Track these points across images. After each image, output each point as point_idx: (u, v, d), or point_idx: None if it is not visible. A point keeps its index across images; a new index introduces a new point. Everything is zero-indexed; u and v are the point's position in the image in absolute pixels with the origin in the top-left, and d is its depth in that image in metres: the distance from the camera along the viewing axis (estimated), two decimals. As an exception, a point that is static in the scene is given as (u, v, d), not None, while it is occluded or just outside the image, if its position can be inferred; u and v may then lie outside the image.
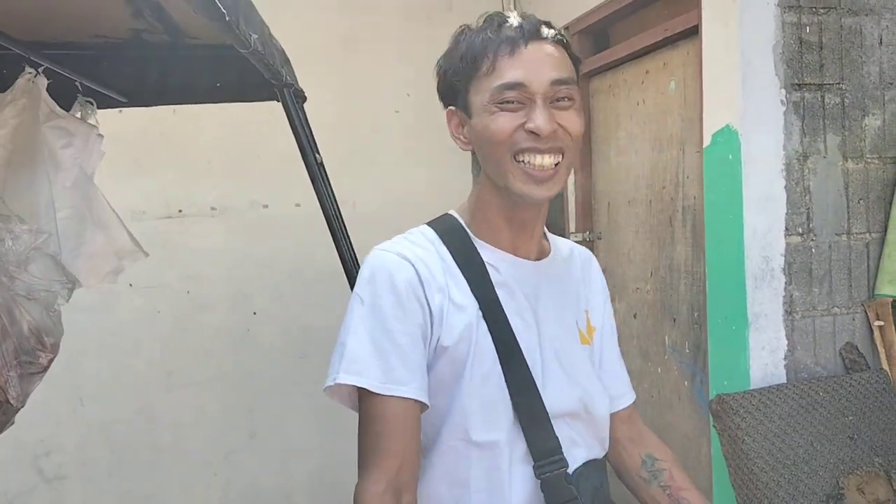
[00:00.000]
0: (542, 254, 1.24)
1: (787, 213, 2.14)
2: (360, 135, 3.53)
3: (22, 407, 1.21)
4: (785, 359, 2.15)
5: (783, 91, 2.14)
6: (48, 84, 1.46)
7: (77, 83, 1.52)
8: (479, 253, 1.17)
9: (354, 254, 1.61)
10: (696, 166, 2.43)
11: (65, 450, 3.45)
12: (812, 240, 2.17)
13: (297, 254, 3.48)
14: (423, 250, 1.14)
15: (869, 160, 2.21)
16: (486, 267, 1.15)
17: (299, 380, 3.56)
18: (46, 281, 1.22)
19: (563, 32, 1.18)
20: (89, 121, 1.51)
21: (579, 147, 1.18)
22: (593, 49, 3.08)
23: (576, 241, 3.27)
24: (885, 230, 2.19)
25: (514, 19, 1.15)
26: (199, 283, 3.47)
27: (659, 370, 2.71)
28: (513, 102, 1.10)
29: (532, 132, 1.09)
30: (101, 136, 1.48)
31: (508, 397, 1.12)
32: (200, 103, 1.76)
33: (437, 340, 1.11)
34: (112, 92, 1.61)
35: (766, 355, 2.14)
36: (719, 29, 2.18)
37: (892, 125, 2.21)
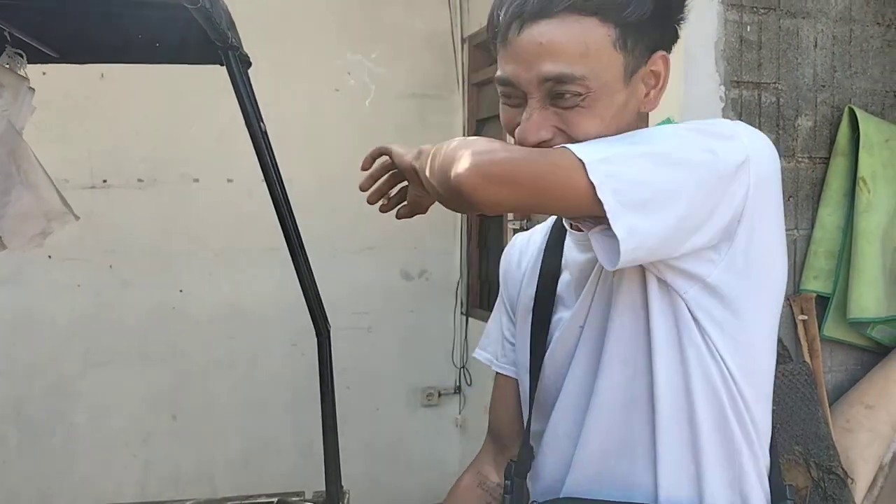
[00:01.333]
0: None
1: (721, 208, 2.19)
2: (298, 113, 3.46)
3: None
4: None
5: (722, 87, 2.19)
6: (-27, 33, 1.36)
7: (6, 33, 1.43)
8: None
9: (298, 229, 1.57)
10: (635, 158, 2.47)
11: (-28, 427, 3.28)
12: (744, 234, 2.23)
13: (227, 231, 3.39)
14: None
15: (800, 159, 2.28)
16: None
17: (226, 361, 3.48)
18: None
19: None
20: (18, 72, 1.42)
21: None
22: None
23: (513, 229, 3.26)
24: (812, 228, 2.27)
25: None
26: (122, 257, 3.34)
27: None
28: (510, 98, 0.95)
29: None
30: (32, 89, 1.40)
31: None
32: (138, 63, 1.67)
33: None
34: (44, 46, 1.52)
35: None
36: (664, 23, 2.22)
37: (823, 126, 2.29)
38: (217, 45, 1.41)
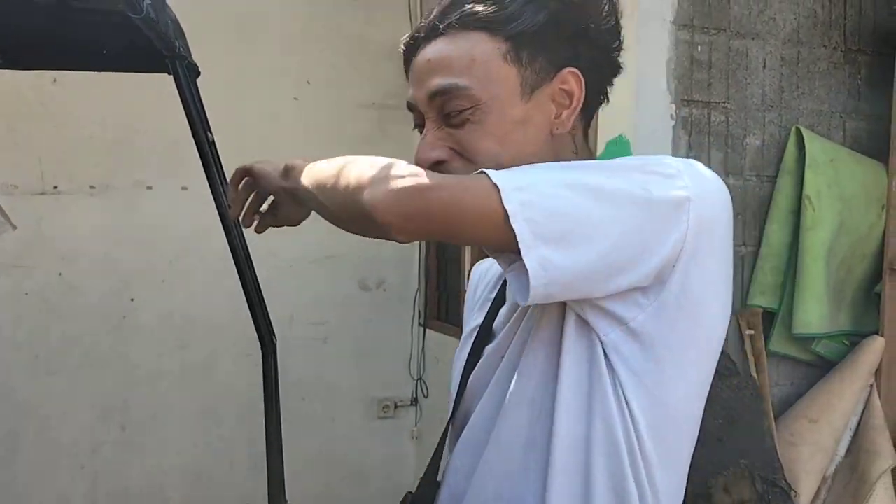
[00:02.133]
0: None
1: (671, 223, 2.23)
2: (256, 121, 3.43)
3: None
4: (663, 363, 2.23)
5: (673, 106, 2.22)
6: (-90, 36, 1.33)
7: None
8: None
9: (244, 240, 1.55)
10: (589, 173, 2.50)
11: (-89, 438, 3.19)
12: (693, 250, 2.26)
13: (181, 239, 3.35)
14: None
15: (748, 177, 2.33)
16: None
17: (177, 371, 3.43)
18: None
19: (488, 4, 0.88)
20: (-44, 79, 1.39)
21: (500, 163, 0.86)
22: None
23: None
24: (759, 244, 2.32)
25: (427, 17, 0.92)
26: (73, 264, 3.28)
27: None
28: (418, 125, 0.93)
29: None
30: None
31: None
32: (83, 70, 1.64)
33: None
34: (-15, 43, 1.49)
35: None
36: (618, 41, 2.25)
37: (771, 146, 2.34)
38: (164, 54, 1.39)
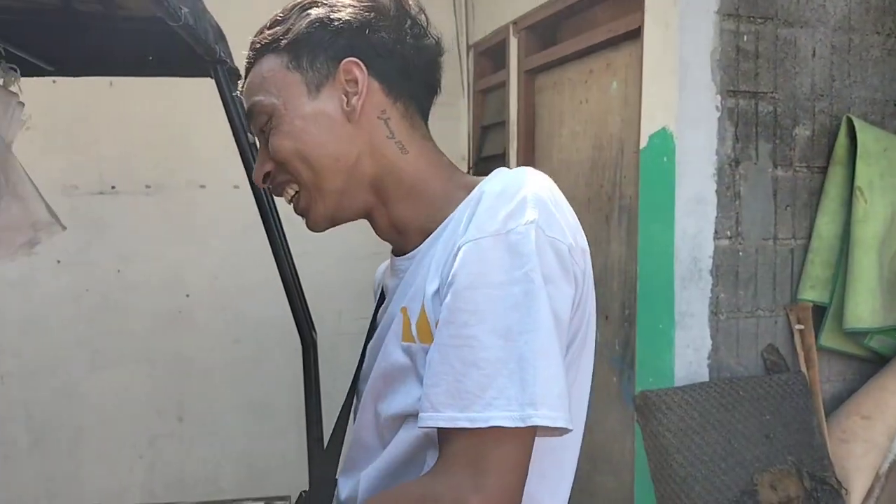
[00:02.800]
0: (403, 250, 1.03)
1: (717, 217, 2.19)
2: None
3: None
4: (708, 358, 2.20)
5: (718, 97, 2.19)
6: (-32, 48, 1.40)
7: (1, 48, 1.46)
8: None
9: (285, 238, 1.59)
10: (633, 167, 2.47)
11: (-18, 428, 3.34)
12: (740, 243, 2.23)
13: (232, 236, 3.43)
14: None
15: (797, 168, 2.28)
16: None
17: (231, 364, 3.51)
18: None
19: (271, 31, 0.98)
20: (12, 88, 1.45)
21: (323, 162, 0.96)
22: (540, 46, 3.10)
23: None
24: (810, 237, 2.27)
25: None
26: (130, 262, 3.39)
27: (589, 366, 2.75)
28: None
29: None
30: (21, 104, 1.43)
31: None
32: (130, 76, 1.70)
33: None
34: (38, 59, 1.56)
35: (690, 354, 2.20)
36: (660, 32, 2.22)
37: (821, 136, 2.29)
38: (205, 59, 1.43)
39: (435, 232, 0.96)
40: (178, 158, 3.41)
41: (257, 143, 1.03)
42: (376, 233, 1.05)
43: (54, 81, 2.72)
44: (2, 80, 1.44)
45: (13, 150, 1.45)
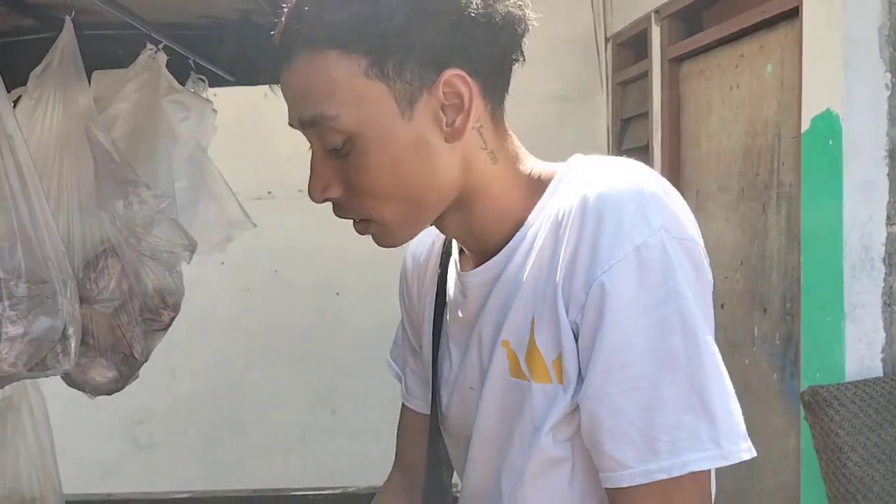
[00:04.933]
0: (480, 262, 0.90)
1: (889, 202, 2.07)
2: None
3: (145, 361, 1.29)
4: (882, 352, 2.08)
5: (888, 75, 2.06)
6: (166, 61, 1.53)
7: (191, 61, 1.59)
8: None
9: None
10: (792, 153, 2.37)
11: (156, 419, 3.61)
12: (915, 229, 2.09)
13: (380, 237, 3.54)
14: None
15: (981, 149, 2.11)
16: None
17: (379, 360, 3.62)
18: (169, 243, 1.29)
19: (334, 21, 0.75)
20: (202, 96, 1.58)
21: (416, 196, 0.81)
22: (684, 33, 3.03)
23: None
24: None
25: (278, 29, 0.81)
26: (286, 262, 3.57)
27: (746, 362, 2.66)
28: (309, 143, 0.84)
29: None
30: (214, 111, 1.55)
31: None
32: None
33: None
34: (221, 70, 1.68)
35: (862, 348, 2.08)
36: (821, 10, 2.12)
37: None
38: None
39: (511, 244, 0.84)
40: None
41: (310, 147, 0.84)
42: (440, 231, 0.92)
43: (216, 94, 2.91)
44: (193, 89, 1.57)
45: (208, 154, 1.58)
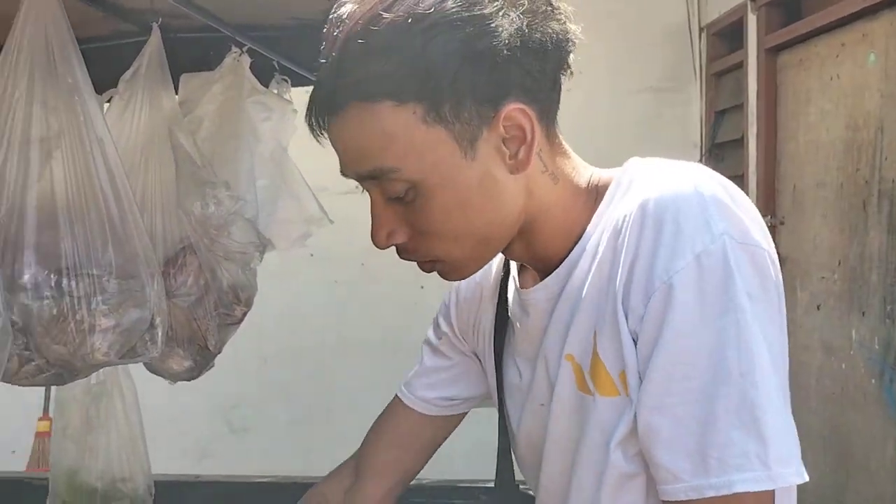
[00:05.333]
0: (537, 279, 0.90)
1: None
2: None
3: (218, 353, 1.35)
4: None
5: None
6: (250, 63, 1.59)
7: (274, 62, 1.64)
8: None
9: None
10: (895, 147, 2.25)
11: (249, 404, 3.75)
12: None
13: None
14: None
15: None
16: None
17: (464, 353, 3.65)
18: (241, 244, 1.35)
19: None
20: (284, 97, 1.63)
21: (484, 233, 0.80)
22: (782, 21, 2.91)
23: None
24: None
25: (318, 81, 0.79)
26: (372, 256, 3.61)
27: (843, 366, 2.54)
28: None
29: None
30: (295, 111, 1.60)
31: None
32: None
33: None
34: (304, 70, 1.72)
35: (970, 355, 1.96)
36: (930, -5, 2.00)
37: None
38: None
39: (571, 256, 0.83)
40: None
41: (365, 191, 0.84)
42: (506, 256, 0.91)
43: (307, 92, 2.98)
44: (276, 90, 1.62)
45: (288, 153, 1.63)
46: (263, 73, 1.66)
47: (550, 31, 0.78)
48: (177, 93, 1.49)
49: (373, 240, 0.84)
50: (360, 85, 0.74)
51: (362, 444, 1.20)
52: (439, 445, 1.20)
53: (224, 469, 3.36)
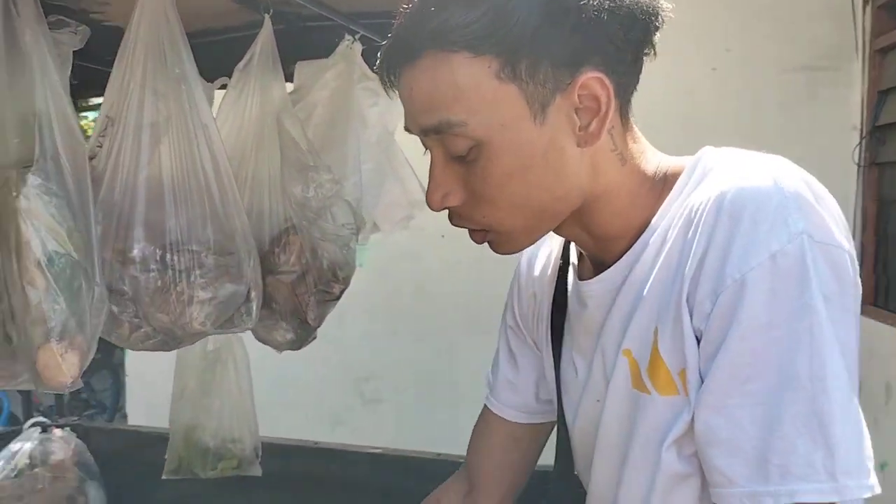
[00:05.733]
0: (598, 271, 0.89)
1: None
2: (670, 97, 3.38)
3: (318, 327, 1.43)
4: None
5: None
6: (361, 50, 1.64)
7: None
8: None
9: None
10: None
11: (380, 376, 3.90)
12: None
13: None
14: None
15: None
16: None
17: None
18: (340, 225, 1.41)
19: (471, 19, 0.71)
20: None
21: (543, 206, 0.78)
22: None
23: None
24: None
25: (394, 31, 0.79)
26: (497, 237, 3.65)
27: None
28: (425, 148, 0.83)
29: None
30: (398, 95, 1.64)
31: None
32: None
33: None
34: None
35: None
36: None
37: None
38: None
39: (635, 248, 0.81)
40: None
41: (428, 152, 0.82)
42: (559, 235, 0.89)
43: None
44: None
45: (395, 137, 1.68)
46: (375, 61, 1.70)
47: (642, 1, 0.76)
48: (291, 80, 1.56)
49: (427, 200, 0.83)
50: (438, 34, 0.73)
51: (467, 453, 1.20)
52: (544, 444, 1.17)
53: (357, 440, 3.53)
